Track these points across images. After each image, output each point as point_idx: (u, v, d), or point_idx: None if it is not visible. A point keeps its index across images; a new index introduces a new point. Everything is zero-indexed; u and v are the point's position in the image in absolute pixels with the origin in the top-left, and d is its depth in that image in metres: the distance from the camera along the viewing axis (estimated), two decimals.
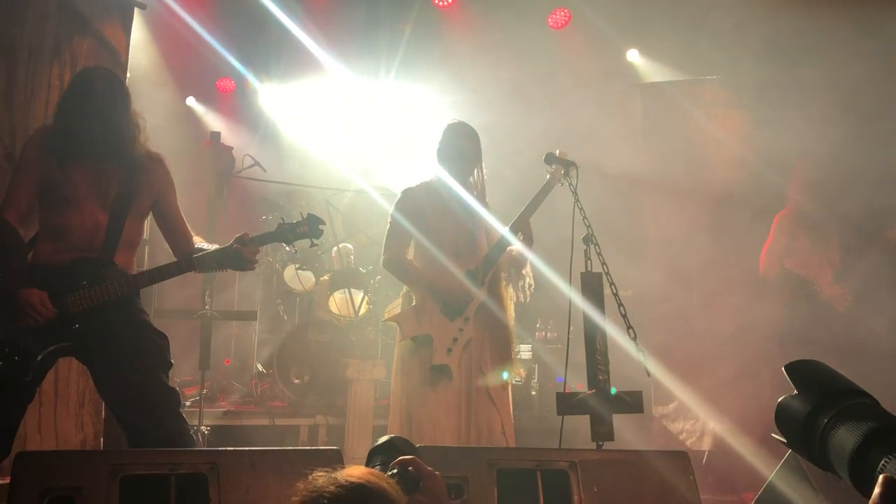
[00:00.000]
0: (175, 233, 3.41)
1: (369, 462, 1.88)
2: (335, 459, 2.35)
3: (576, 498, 2.51)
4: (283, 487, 2.28)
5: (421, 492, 1.78)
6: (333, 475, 1.53)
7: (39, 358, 3.01)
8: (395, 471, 1.78)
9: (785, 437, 1.31)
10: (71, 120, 3.16)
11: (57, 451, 3.85)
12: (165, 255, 3.55)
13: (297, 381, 6.10)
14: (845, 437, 1.18)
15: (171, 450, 2.43)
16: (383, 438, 1.91)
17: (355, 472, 1.56)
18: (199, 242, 3.41)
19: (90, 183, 3.17)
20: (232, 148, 6.25)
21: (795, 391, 1.31)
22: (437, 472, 1.84)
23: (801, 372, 1.32)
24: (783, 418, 1.30)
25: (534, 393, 6.56)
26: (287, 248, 6.47)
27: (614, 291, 3.36)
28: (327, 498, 1.47)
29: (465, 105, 6.33)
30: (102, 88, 3.18)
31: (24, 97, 4.45)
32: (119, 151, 3.21)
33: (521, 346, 6.01)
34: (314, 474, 1.55)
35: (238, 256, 3.26)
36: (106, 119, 3.15)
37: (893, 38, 5.13)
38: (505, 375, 3.90)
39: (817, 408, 1.25)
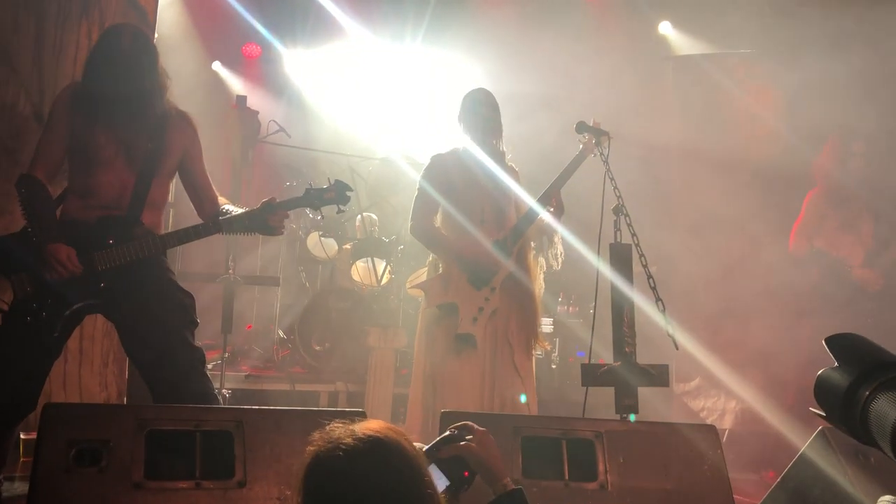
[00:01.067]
0: (201, 194, 3.39)
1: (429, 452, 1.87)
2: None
3: (601, 468, 2.48)
4: (307, 447, 2.26)
5: (474, 441, 1.78)
6: (351, 427, 1.51)
7: (67, 314, 3.03)
8: (446, 433, 1.78)
9: (824, 411, 1.27)
10: (98, 78, 3.14)
11: (84, 403, 3.89)
12: (190, 219, 3.54)
13: (318, 347, 6.12)
14: (887, 409, 1.14)
15: (198, 406, 2.44)
16: (442, 435, 1.90)
17: (373, 425, 1.54)
18: (225, 204, 3.39)
19: (118, 142, 3.16)
20: (258, 112, 6.22)
21: (836, 364, 1.27)
22: (489, 432, 1.85)
23: (842, 344, 1.28)
24: (823, 391, 1.26)
25: (554, 367, 6.54)
26: (311, 215, 6.53)
27: (644, 264, 3.31)
28: (343, 449, 1.45)
29: (493, 72, 6.25)
30: (130, 45, 3.15)
31: (53, 56, 4.44)
32: (146, 110, 3.19)
33: (543, 319, 5.98)
34: (331, 425, 1.53)
35: (265, 221, 3.24)
36: (133, 77, 3.12)
37: None
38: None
39: (858, 380, 1.21)
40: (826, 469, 2.75)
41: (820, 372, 1.25)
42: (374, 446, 1.48)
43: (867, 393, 1.17)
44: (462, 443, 1.79)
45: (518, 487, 1.82)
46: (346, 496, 1.44)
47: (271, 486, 2.20)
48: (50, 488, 2.03)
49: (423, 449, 1.80)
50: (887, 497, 1.27)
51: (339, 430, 1.50)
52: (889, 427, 1.11)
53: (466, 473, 1.75)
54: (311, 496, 1.47)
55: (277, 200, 3.29)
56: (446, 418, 2.37)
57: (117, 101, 3.14)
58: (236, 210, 3.33)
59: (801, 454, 2.85)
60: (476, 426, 1.85)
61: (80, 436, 2.11)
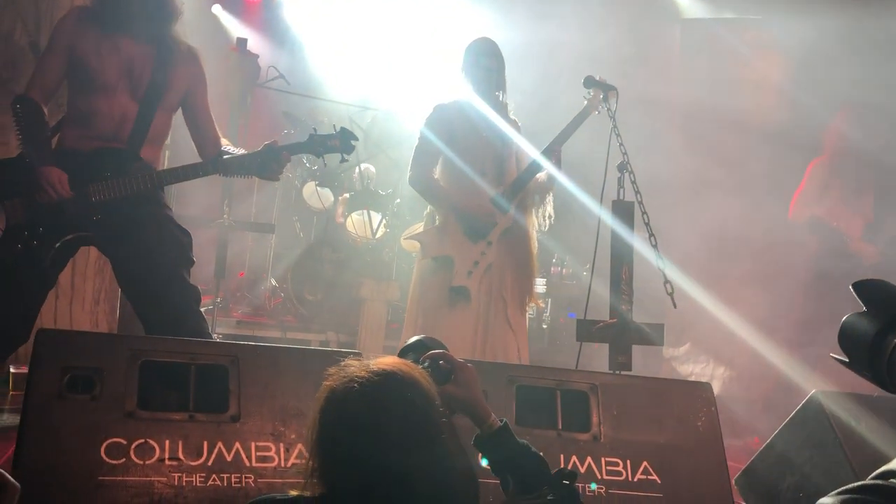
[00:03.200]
0: (203, 133, 3.32)
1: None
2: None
3: (595, 419, 2.49)
4: (302, 385, 2.26)
5: (454, 383, 1.76)
6: (366, 362, 1.54)
7: (59, 244, 2.98)
8: (426, 363, 1.76)
9: (848, 357, 1.24)
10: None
11: (78, 331, 3.87)
12: (186, 160, 3.46)
13: (310, 297, 6.10)
14: None
15: (193, 340, 2.41)
16: (413, 338, 1.88)
17: (388, 360, 1.57)
18: (226, 146, 3.33)
19: (123, 68, 3.09)
20: (257, 56, 6.11)
21: (863, 309, 1.24)
22: (469, 365, 1.82)
23: (871, 289, 1.25)
24: (848, 336, 1.23)
25: (545, 326, 6.56)
26: (307, 164, 6.46)
27: (646, 221, 3.29)
28: (359, 383, 1.47)
29: (500, 23, 6.15)
30: None
31: None
32: (156, 35, 3.12)
33: (537, 279, 5.98)
34: (346, 360, 1.56)
35: (266, 164, 3.17)
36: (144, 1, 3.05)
37: None
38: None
39: (887, 325, 1.18)
40: (817, 431, 2.77)
41: (846, 317, 1.22)
42: (389, 379, 1.50)
43: (893, 342, 1.14)
44: (446, 386, 1.77)
45: (503, 423, 1.81)
46: (362, 428, 1.46)
47: (265, 422, 2.19)
48: (42, 414, 2.01)
49: None
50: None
51: (353, 366, 1.53)
52: None
53: (447, 413, 1.74)
54: (328, 430, 1.49)
55: (280, 144, 3.23)
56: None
57: (128, 19, 3.07)
58: (238, 152, 3.27)
59: (793, 416, 2.87)
60: (455, 358, 1.82)
61: (74, 363, 2.09)
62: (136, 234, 3.05)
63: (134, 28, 3.09)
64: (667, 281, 3.09)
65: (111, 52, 3.08)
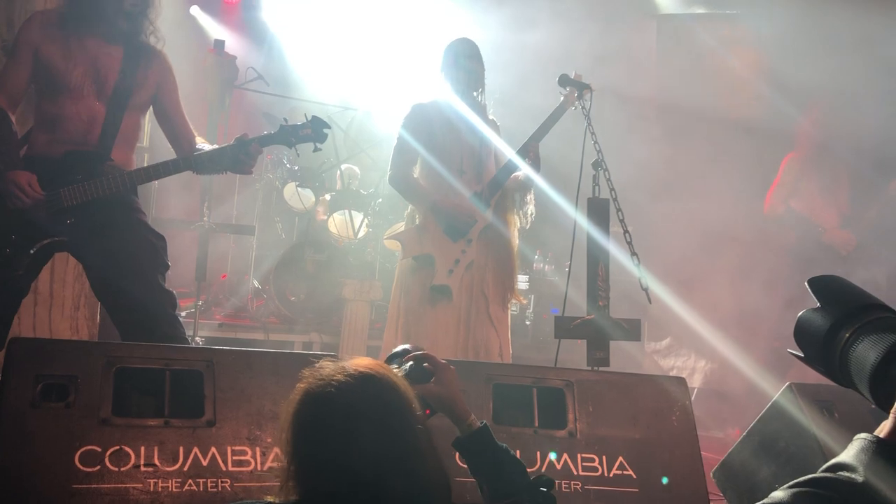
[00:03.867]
0: (177, 131, 3.31)
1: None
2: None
3: (571, 416, 2.51)
4: (278, 389, 2.26)
5: (435, 383, 1.77)
6: (341, 364, 1.52)
7: (33, 251, 2.96)
8: (409, 364, 1.76)
9: (803, 352, 1.26)
10: (98, 2, 3.05)
11: (52, 339, 3.85)
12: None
13: (293, 298, 6.09)
14: (867, 352, 1.13)
15: (168, 345, 2.41)
16: (399, 347, 1.88)
17: (363, 361, 1.55)
18: (202, 143, 3.32)
19: (89, 69, 3.07)
20: (235, 57, 6.08)
21: (818, 305, 1.26)
22: (451, 366, 1.83)
23: (825, 285, 1.27)
24: (803, 332, 1.25)
25: (528, 323, 6.59)
26: (287, 165, 6.45)
27: (621, 218, 3.31)
28: (335, 386, 1.46)
29: (475, 24, 6.16)
30: None
31: None
32: (123, 35, 3.10)
33: (519, 276, 6.01)
34: (321, 362, 1.54)
35: (237, 157, 3.15)
36: (137, 12, 3.06)
37: None
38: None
39: (839, 321, 1.20)
40: (792, 422, 2.80)
41: (801, 313, 1.24)
42: (366, 381, 1.49)
43: (847, 335, 1.16)
44: (426, 383, 1.78)
45: (483, 424, 1.82)
46: (338, 431, 1.44)
47: (241, 426, 2.20)
48: (16, 423, 2.00)
49: None
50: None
51: (329, 368, 1.51)
52: (868, 369, 1.10)
53: (428, 412, 1.75)
54: (302, 432, 1.48)
55: (250, 136, 3.20)
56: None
57: (97, 19, 3.06)
58: (210, 147, 3.25)
59: (769, 408, 2.91)
60: (437, 359, 1.83)
61: (48, 371, 2.08)
62: (109, 239, 3.03)
63: (100, 28, 3.08)
64: (641, 277, 3.11)
65: (76, 54, 3.06)
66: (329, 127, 3.28)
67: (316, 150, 3.28)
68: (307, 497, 1.47)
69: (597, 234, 3.31)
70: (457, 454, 1.90)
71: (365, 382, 1.49)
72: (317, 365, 1.53)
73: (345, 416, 1.45)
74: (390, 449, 1.46)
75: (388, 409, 1.49)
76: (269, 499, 1.58)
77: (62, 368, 2.11)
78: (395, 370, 1.66)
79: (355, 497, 1.43)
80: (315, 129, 3.23)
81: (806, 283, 1.26)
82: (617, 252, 3.41)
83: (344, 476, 1.43)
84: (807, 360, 1.25)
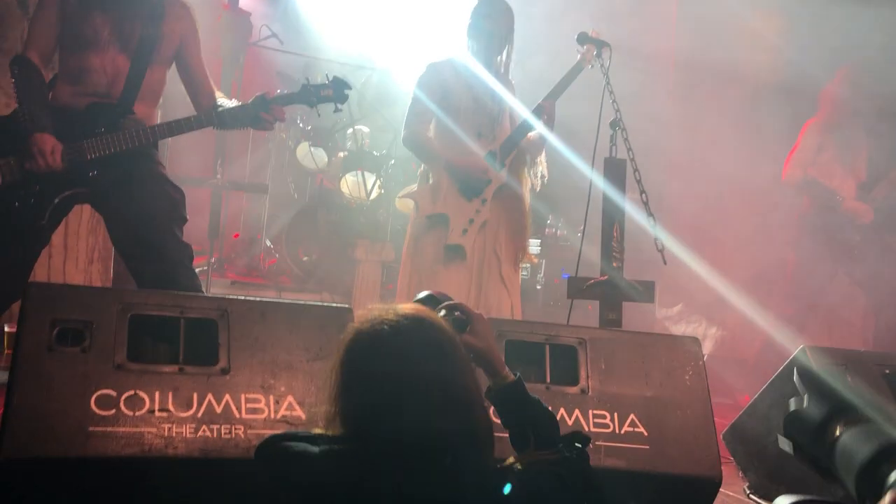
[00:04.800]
0: (197, 87, 3.32)
1: None
2: (347, 317, 2.34)
3: (583, 372, 2.51)
4: (292, 338, 2.27)
5: (470, 333, 1.76)
6: (391, 306, 1.53)
7: (56, 201, 2.99)
8: (443, 313, 1.75)
9: (793, 443, 1.25)
10: None
11: (67, 284, 3.88)
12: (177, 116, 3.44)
13: (304, 258, 6.11)
14: (857, 448, 1.12)
15: (182, 293, 2.41)
16: (422, 294, 1.86)
17: (411, 305, 1.58)
18: (221, 98, 3.32)
19: (112, 24, 3.06)
20: (249, 14, 6.03)
21: (807, 395, 1.25)
22: (484, 316, 1.82)
23: (815, 378, 1.26)
24: (794, 424, 1.25)
25: (539, 287, 6.58)
26: (300, 124, 6.41)
27: (638, 178, 3.28)
28: (388, 324, 1.47)
29: None
30: None
31: None
32: None
33: (531, 240, 5.99)
34: (370, 306, 1.56)
35: (257, 115, 3.16)
36: None
37: None
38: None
39: (831, 415, 1.20)
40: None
41: (791, 405, 1.25)
42: (418, 322, 1.51)
43: (838, 429, 1.16)
44: (463, 335, 1.76)
45: (518, 376, 1.81)
46: (392, 369, 1.46)
47: (255, 375, 2.21)
48: (32, 366, 2.02)
49: None
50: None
51: (379, 309, 1.53)
52: (856, 467, 1.10)
53: None
54: (354, 371, 1.49)
55: (272, 95, 3.19)
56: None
57: None
58: (231, 103, 3.25)
59: (778, 374, 2.90)
60: (471, 309, 1.82)
61: (64, 316, 2.10)
62: (129, 190, 3.05)
63: None
64: (657, 238, 3.09)
65: (100, 9, 3.05)
66: (350, 87, 3.29)
67: (336, 110, 3.31)
68: (359, 434, 1.48)
69: (613, 194, 3.28)
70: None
71: (418, 323, 1.51)
72: (368, 307, 1.56)
73: (398, 356, 1.47)
74: (444, 391, 1.48)
75: (441, 350, 1.51)
76: (317, 430, 1.58)
77: (78, 313, 2.12)
78: (435, 312, 1.66)
79: (407, 439, 1.44)
80: (336, 90, 3.25)
81: (794, 378, 1.26)
82: (633, 213, 3.38)
83: (397, 418, 1.44)
84: (796, 452, 1.24)
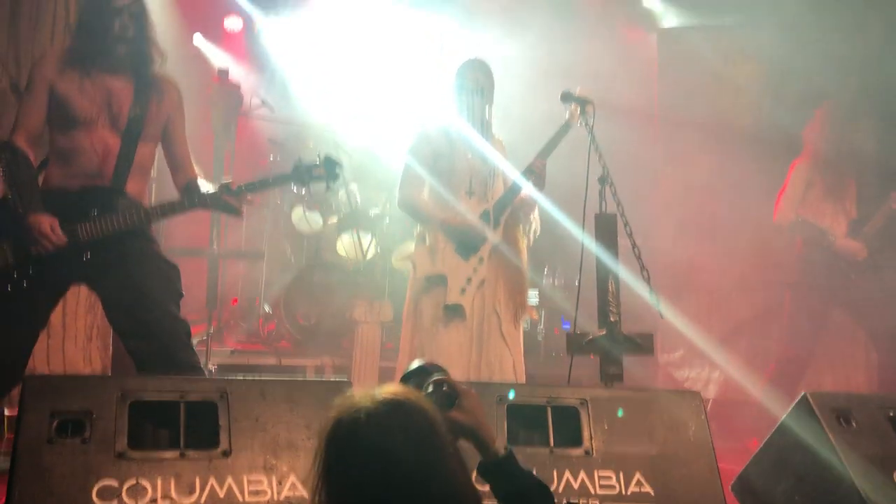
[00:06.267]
0: (178, 162, 3.37)
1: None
2: (346, 391, 2.33)
3: (586, 434, 2.50)
4: (292, 417, 2.27)
5: (458, 409, 1.75)
6: (370, 392, 1.51)
7: (50, 284, 3.02)
8: (430, 389, 1.75)
9: None
10: (90, 30, 3.10)
11: (66, 374, 3.88)
12: (172, 192, 3.50)
13: (303, 322, 6.10)
14: None
15: (182, 377, 2.42)
16: (414, 364, 1.86)
17: (393, 388, 1.54)
18: (199, 177, 3.38)
19: (102, 102, 3.11)
20: (239, 86, 6.14)
21: None
22: (472, 390, 1.81)
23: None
24: None
25: (540, 339, 6.56)
26: (295, 190, 6.47)
27: (629, 232, 3.31)
28: (365, 412, 1.45)
29: (480, 42, 6.19)
30: (133, 3, 3.12)
31: (29, 28, 4.37)
32: (135, 68, 3.15)
33: (529, 291, 5.99)
34: (350, 391, 1.53)
35: (225, 202, 3.21)
36: (127, 30, 3.09)
37: None
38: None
39: None
40: (807, 435, 2.78)
41: None
42: (397, 408, 1.47)
43: None
44: (451, 412, 1.76)
45: (509, 451, 1.79)
46: (371, 459, 1.43)
47: (256, 455, 2.20)
48: (33, 460, 2.02)
49: None
50: None
51: (358, 396, 1.50)
52: None
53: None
54: (335, 463, 1.46)
55: (242, 184, 3.24)
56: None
57: (107, 53, 3.11)
58: (207, 185, 3.31)
59: (783, 421, 2.88)
60: (459, 383, 1.80)
61: (63, 407, 2.10)
62: (124, 270, 3.07)
63: (108, 62, 3.12)
64: (652, 291, 3.11)
65: (90, 88, 3.11)
66: (341, 166, 3.34)
67: (328, 189, 3.34)
68: None
69: (605, 250, 3.30)
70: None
71: (395, 408, 1.48)
72: (346, 394, 1.53)
73: (381, 440, 1.44)
74: (423, 474, 1.45)
75: (421, 437, 1.48)
76: None
77: (77, 404, 2.12)
78: (418, 392, 1.66)
79: None
80: (328, 169, 3.30)
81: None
82: (626, 265, 3.40)
83: (383, 500, 1.42)
84: None
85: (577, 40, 6.44)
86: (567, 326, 6.25)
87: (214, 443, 2.19)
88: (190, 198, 3.21)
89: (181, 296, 3.22)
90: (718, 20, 6.39)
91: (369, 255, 6.32)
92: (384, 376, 5.41)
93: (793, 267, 5.04)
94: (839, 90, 5.17)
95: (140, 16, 3.14)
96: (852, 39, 5.26)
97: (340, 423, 1.47)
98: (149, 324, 3.02)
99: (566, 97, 3.80)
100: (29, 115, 3.12)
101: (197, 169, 3.40)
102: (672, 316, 3.37)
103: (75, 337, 4.41)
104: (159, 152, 3.42)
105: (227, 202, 3.20)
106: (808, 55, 5.39)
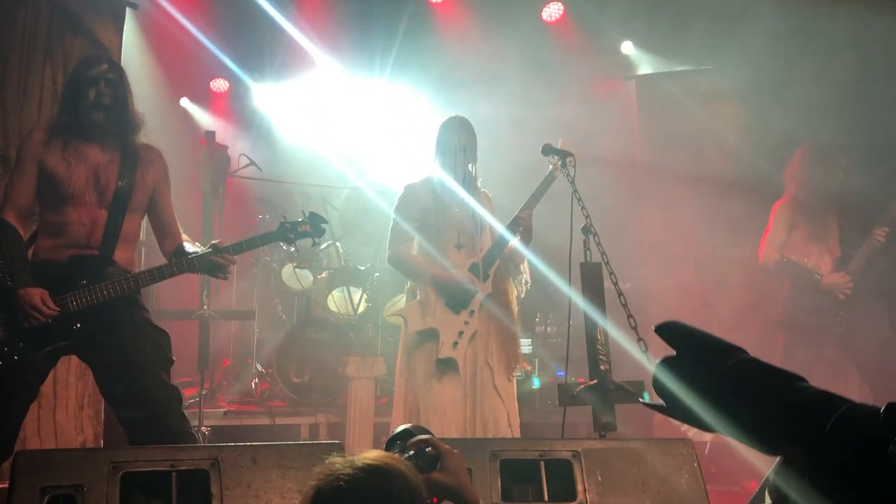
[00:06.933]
0: (164, 229, 3.41)
1: (388, 449, 1.86)
2: (338, 453, 2.33)
3: (580, 487, 2.50)
4: (284, 482, 2.26)
5: (440, 470, 1.76)
6: (350, 458, 1.53)
7: (40, 356, 3.01)
8: (412, 451, 1.76)
9: (666, 401, 1.20)
10: (69, 101, 3.15)
11: (56, 449, 3.83)
12: (161, 256, 3.53)
13: (296, 380, 6.07)
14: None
15: (172, 446, 2.41)
16: (399, 428, 1.88)
17: (372, 454, 1.56)
18: (186, 241, 3.40)
19: (89, 176, 3.16)
20: (227, 147, 6.22)
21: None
22: (455, 451, 1.82)
23: (676, 332, 1.23)
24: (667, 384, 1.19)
25: (534, 388, 6.54)
26: (285, 247, 6.52)
27: (614, 281, 3.34)
28: (344, 480, 1.47)
29: (460, 101, 6.32)
30: (108, 71, 3.18)
31: (17, 99, 4.42)
32: (121, 139, 3.20)
33: (522, 340, 5.99)
34: (331, 458, 1.55)
35: (212, 263, 3.22)
36: (103, 97, 3.13)
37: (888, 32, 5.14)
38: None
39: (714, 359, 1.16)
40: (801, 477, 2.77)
41: (658, 364, 1.21)
42: (375, 474, 1.50)
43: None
44: (433, 473, 1.76)
45: None
46: None
47: None
48: None
49: None
50: None
51: (338, 463, 1.52)
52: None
53: (435, 500, 1.74)
54: None
55: (226, 244, 3.24)
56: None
57: (93, 127, 3.16)
58: (195, 248, 3.34)
59: (776, 465, 2.88)
60: (441, 444, 1.82)
61: (54, 482, 2.09)
62: (113, 339, 3.09)
63: (92, 134, 3.18)
64: (640, 339, 3.13)
65: (78, 162, 3.16)
66: (326, 221, 3.39)
67: (314, 245, 3.38)
68: None
69: (592, 299, 3.33)
70: None
71: (373, 475, 1.50)
72: (327, 461, 1.55)
73: None
74: None
75: (398, 499, 1.49)
76: None
77: (68, 478, 2.12)
78: (398, 457, 1.66)
79: None
80: (313, 225, 3.35)
81: (654, 329, 1.23)
82: (616, 310, 3.42)
83: None
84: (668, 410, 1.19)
85: (555, 92, 6.57)
86: (561, 374, 6.23)
87: None
88: (179, 263, 3.24)
89: (172, 362, 3.23)
90: (693, 64, 6.53)
91: (360, 310, 6.33)
92: (379, 432, 5.38)
93: (782, 308, 5.07)
94: (818, 128, 5.26)
95: (117, 83, 3.20)
96: (826, 77, 5.37)
97: (321, 492, 1.48)
98: (140, 392, 3.02)
99: (547, 150, 3.87)
100: (19, 191, 3.16)
101: (184, 234, 3.43)
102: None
103: (67, 406, 4.38)
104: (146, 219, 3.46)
105: (215, 263, 3.21)
106: (784, 95, 5.51)
